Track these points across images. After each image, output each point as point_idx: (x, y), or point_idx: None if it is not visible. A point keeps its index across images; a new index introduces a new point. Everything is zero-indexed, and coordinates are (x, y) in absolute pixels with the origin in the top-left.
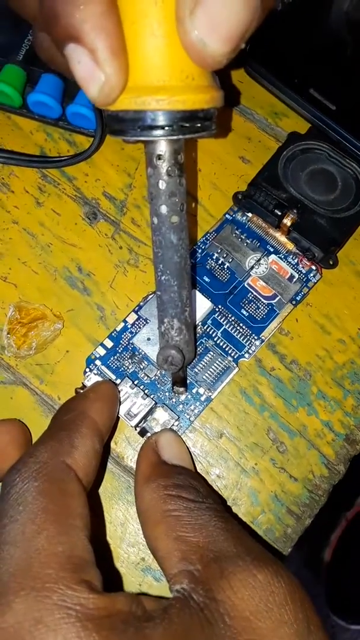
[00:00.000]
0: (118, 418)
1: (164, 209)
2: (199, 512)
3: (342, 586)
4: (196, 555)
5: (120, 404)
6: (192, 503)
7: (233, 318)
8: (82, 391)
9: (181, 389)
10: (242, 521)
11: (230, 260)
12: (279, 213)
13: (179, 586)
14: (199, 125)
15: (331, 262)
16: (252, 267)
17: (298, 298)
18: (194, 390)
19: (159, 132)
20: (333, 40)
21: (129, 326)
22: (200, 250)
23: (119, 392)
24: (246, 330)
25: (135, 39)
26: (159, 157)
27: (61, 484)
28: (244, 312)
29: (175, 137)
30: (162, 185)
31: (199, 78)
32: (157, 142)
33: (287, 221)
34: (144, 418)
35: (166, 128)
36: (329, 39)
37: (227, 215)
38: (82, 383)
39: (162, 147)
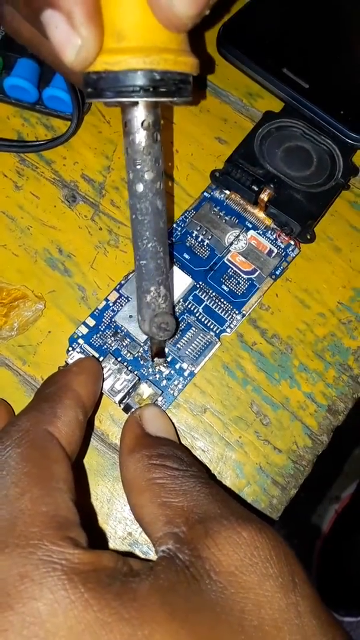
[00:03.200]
0: (102, 395)
1: (150, 175)
2: (183, 479)
3: (334, 579)
4: (181, 519)
5: (103, 380)
6: (176, 471)
7: (214, 294)
8: None
9: (161, 360)
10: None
11: (210, 237)
12: (256, 189)
13: (164, 547)
14: (178, 87)
15: (309, 237)
16: (231, 243)
17: (277, 272)
18: (177, 366)
19: (139, 92)
20: (305, 19)
21: (111, 304)
22: (179, 229)
23: (102, 368)
24: (227, 306)
25: (110, 2)
26: (143, 122)
27: (44, 450)
28: (225, 288)
29: (155, 99)
30: (147, 151)
31: (174, 42)
32: (139, 106)
33: (264, 196)
34: (128, 394)
35: (145, 89)
36: (300, 18)
37: (205, 194)
38: (65, 362)
39: (145, 111)
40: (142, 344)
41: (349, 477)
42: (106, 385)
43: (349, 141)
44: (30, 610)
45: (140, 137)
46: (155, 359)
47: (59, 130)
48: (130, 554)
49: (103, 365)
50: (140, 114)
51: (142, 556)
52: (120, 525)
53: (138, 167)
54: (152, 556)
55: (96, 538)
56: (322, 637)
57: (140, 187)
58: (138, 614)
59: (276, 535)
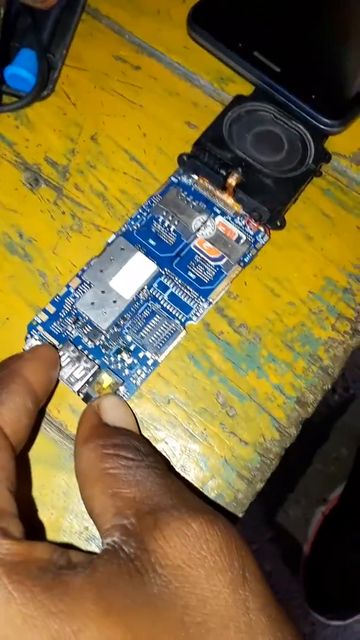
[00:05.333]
0: (58, 382)
1: None
2: (137, 470)
3: (321, 582)
4: (131, 510)
5: (61, 368)
6: (131, 461)
7: (180, 281)
8: None
9: None
10: (190, 487)
11: (176, 222)
12: (224, 173)
13: (109, 539)
14: None
15: (279, 224)
16: (198, 229)
17: (246, 260)
18: (140, 355)
19: None
20: (277, 2)
21: (72, 291)
22: (145, 214)
23: (61, 356)
24: (193, 293)
25: None
26: None
27: None
28: (191, 275)
29: None
30: None
31: None
32: None
33: (232, 181)
34: (88, 383)
35: None
36: (271, 1)
37: (172, 178)
38: (23, 349)
39: None
40: (104, 332)
41: (336, 479)
42: (65, 373)
43: (321, 126)
44: None
45: None
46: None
47: (22, 111)
48: (72, 547)
49: (61, 353)
50: None
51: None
52: (77, 519)
53: None
54: None
55: (49, 532)
56: (271, 636)
57: None
58: (68, 608)
59: (229, 527)
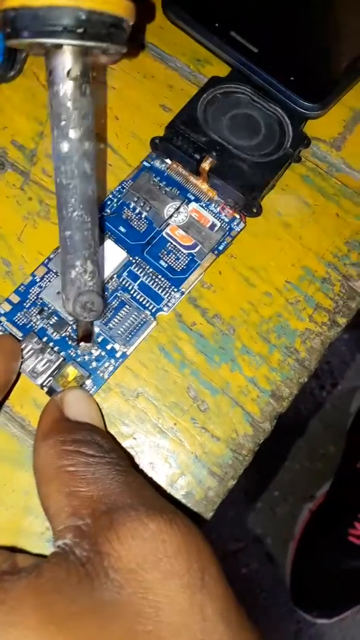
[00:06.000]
0: (20, 375)
1: (76, 133)
2: (97, 467)
3: (307, 580)
4: (87, 510)
5: (23, 361)
6: (92, 458)
7: (151, 270)
8: None
9: (89, 345)
10: (158, 485)
11: (148, 209)
12: (198, 157)
13: (61, 542)
14: (109, 32)
15: (254, 210)
16: (170, 216)
17: (220, 248)
18: (108, 347)
19: (62, 34)
20: None
21: (38, 280)
22: (115, 200)
23: (24, 348)
24: (165, 283)
25: None
26: (70, 72)
27: None
28: (163, 263)
29: (81, 43)
30: (73, 105)
31: None
32: (64, 51)
33: (206, 165)
34: (52, 376)
35: (70, 30)
36: None
37: (144, 163)
38: None
39: (72, 57)
40: (70, 323)
41: (323, 475)
42: (27, 366)
43: (300, 109)
44: None
45: (66, 88)
46: (82, 343)
47: None
48: (21, 551)
49: (24, 344)
50: (65, 61)
51: None
52: (38, 519)
53: (63, 123)
54: None
55: (7, 533)
56: None
57: (65, 147)
58: (5, 617)
59: (190, 527)
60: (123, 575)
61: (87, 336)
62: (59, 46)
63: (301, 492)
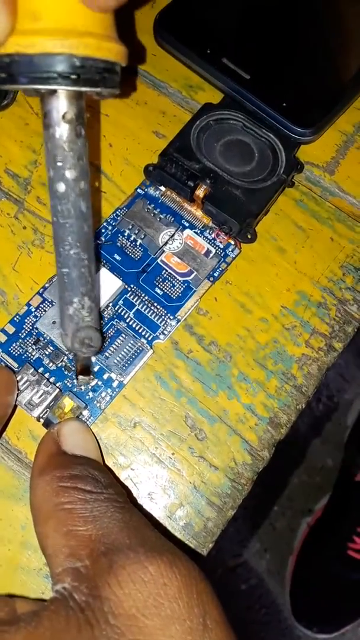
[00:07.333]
0: (16, 407)
1: (72, 174)
2: (95, 504)
3: (307, 595)
4: (86, 550)
5: (19, 393)
6: (89, 494)
7: (146, 297)
8: None
9: (87, 378)
10: (153, 518)
11: (143, 236)
12: (192, 184)
13: (59, 586)
14: (103, 77)
15: (249, 236)
16: (165, 243)
17: (216, 274)
18: (104, 376)
19: (57, 80)
20: (246, 7)
21: (33, 310)
22: (110, 227)
23: (19, 380)
24: (161, 310)
25: None
26: (65, 115)
27: None
28: (158, 291)
29: (75, 88)
30: (69, 147)
31: (98, 26)
32: (59, 96)
33: (200, 192)
34: (48, 408)
35: (64, 76)
36: (241, 6)
37: (139, 190)
38: None
39: (66, 102)
40: (66, 353)
41: (322, 489)
42: (23, 398)
43: (292, 135)
44: None
45: (62, 131)
46: (80, 377)
47: None
48: (18, 595)
49: (20, 376)
50: (60, 105)
51: None
52: (36, 555)
53: (59, 164)
54: None
55: (5, 569)
56: None
57: (61, 187)
58: None
59: (190, 569)
60: (123, 621)
61: (85, 369)
62: (54, 91)
63: (299, 506)
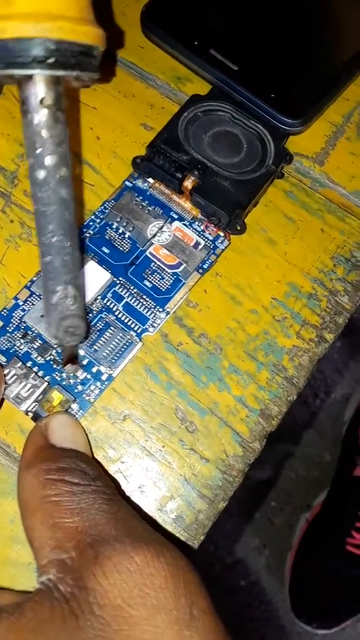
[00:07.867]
0: (3, 401)
1: (52, 160)
2: (82, 496)
3: (306, 591)
4: (72, 542)
5: (7, 386)
6: (76, 487)
7: (135, 290)
8: None
9: (74, 367)
10: (144, 511)
11: (131, 229)
12: (180, 176)
13: (44, 577)
14: (78, 61)
15: (238, 228)
16: (154, 235)
17: (205, 266)
18: (93, 369)
19: (32, 64)
20: None
21: (21, 303)
22: (98, 220)
23: (7, 374)
24: (150, 303)
25: None
26: (42, 100)
27: None
28: (147, 283)
29: (52, 72)
30: (48, 133)
31: (73, 9)
32: (36, 81)
33: (188, 184)
34: (36, 401)
35: (40, 60)
36: None
37: (127, 182)
38: None
39: (44, 87)
40: (54, 346)
41: (320, 484)
42: (11, 392)
43: (281, 126)
44: None
45: (40, 117)
46: (67, 366)
47: None
48: (2, 588)
49: (7, 370)
50: (38, 90)
51: None
52: (25, 549)
53: (38, 151)
54: None
55: None
56: None
57: (41, 174)
58: None
59: (177, 559)
60: (108, 612)
61: (72, 358)
62: (30, 77)
63: (298, 501)
